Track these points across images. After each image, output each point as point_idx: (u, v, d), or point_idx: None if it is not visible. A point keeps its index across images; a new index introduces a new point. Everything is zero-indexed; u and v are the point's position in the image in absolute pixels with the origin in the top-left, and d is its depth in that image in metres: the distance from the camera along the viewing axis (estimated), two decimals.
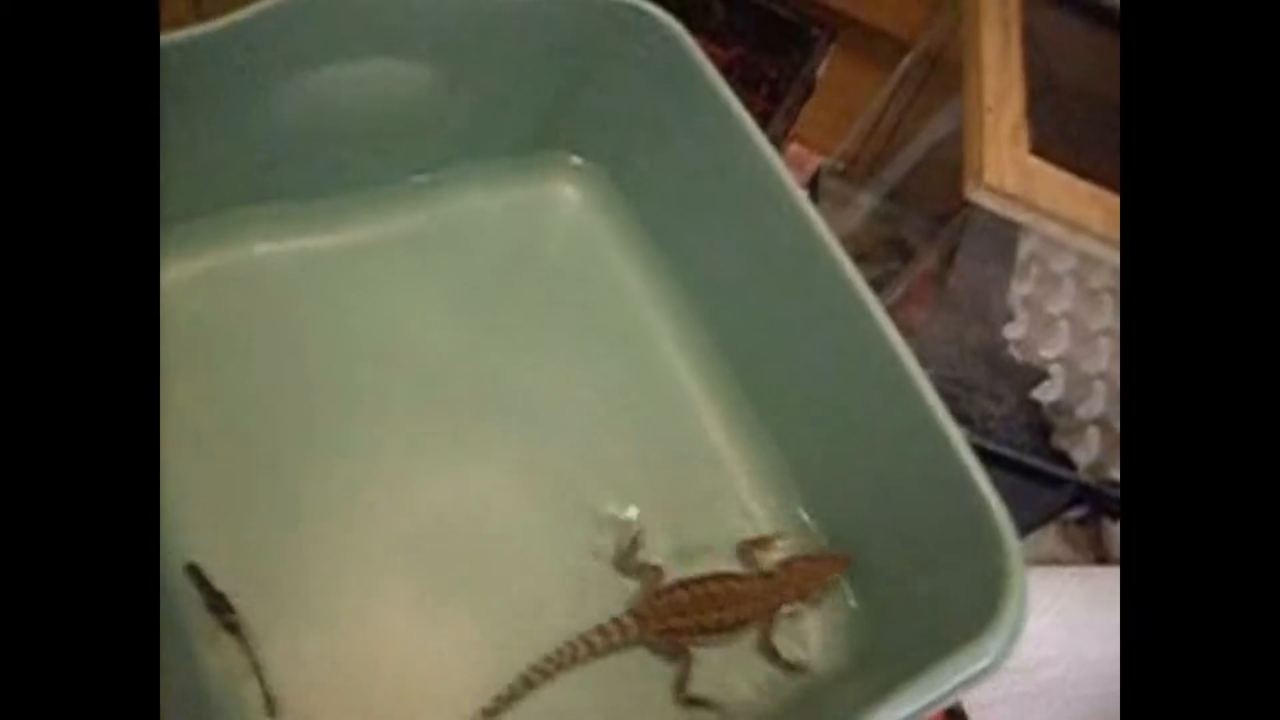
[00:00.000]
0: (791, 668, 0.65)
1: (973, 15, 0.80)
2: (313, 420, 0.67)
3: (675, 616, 0.63)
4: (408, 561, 0.64)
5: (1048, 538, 0.93)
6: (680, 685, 0.63)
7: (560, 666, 0.61)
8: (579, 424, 0.71)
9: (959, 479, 0.57)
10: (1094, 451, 0.87)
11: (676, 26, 0.68)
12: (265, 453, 0.65)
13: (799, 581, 0.66)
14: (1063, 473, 0.88)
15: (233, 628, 0.57)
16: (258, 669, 0.56)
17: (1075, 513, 0.93)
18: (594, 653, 0.62)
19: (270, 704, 0.55)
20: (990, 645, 0.52)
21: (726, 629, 0.64)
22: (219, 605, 0.57)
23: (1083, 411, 0.89)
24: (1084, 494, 0.90)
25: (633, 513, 0.68)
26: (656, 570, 0.66)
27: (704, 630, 0.64)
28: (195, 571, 0.58)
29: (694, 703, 0.63)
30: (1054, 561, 0.91)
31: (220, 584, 0.58)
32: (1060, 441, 0.89)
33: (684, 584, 0.65)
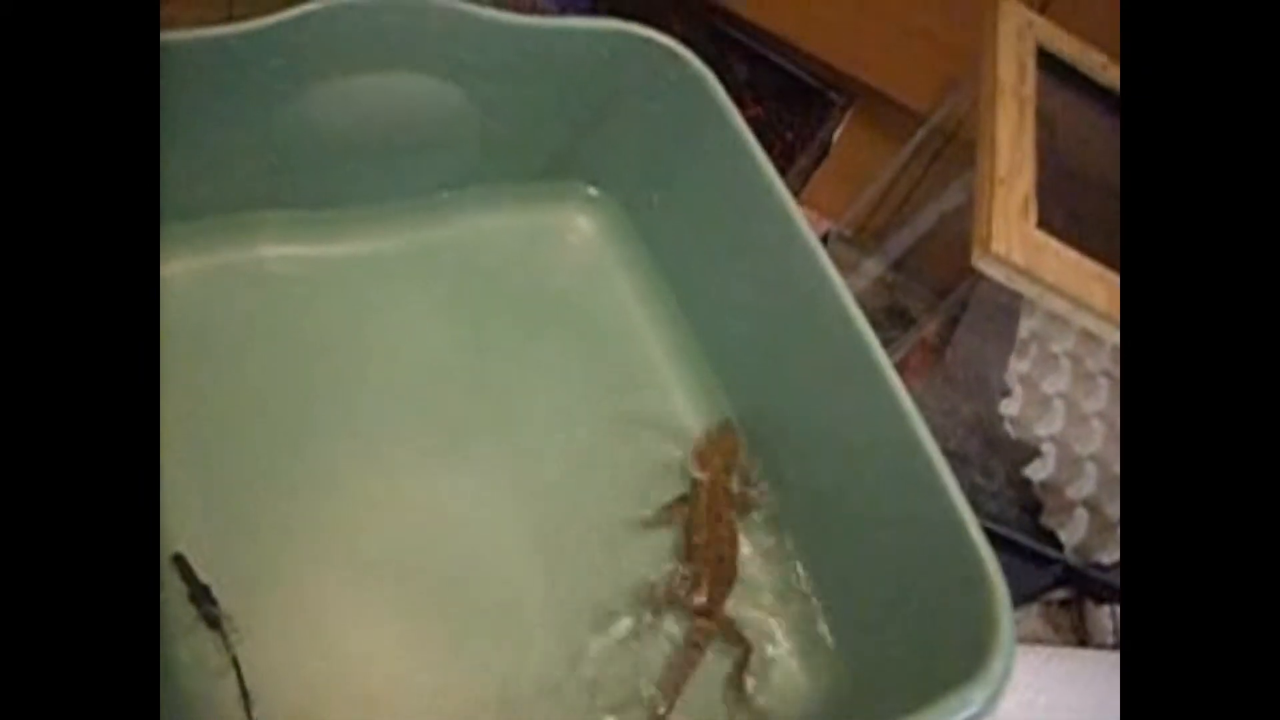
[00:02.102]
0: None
1: (991, 87, 0.82)
2: (307, 424, 0.67)
3: (724, 589, 0.66)
4: (394, 571, 0.63)
5: (1030, 617, 0.93)
6: (739, 673, 0.65)
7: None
8: (573, 448, 0.72)
9: (953, 528, 0.57)
10: (1081, 532, 0.87)
11: (704, 69, 0.70)
12: (259, 452, 0.65)
13: (721, 464, 0.70)
14: (1049, 552, 0.88)
15: (214, 621, 0.56)
16: (236, 664, 0.55)
17: (1059, 594, 0.93)
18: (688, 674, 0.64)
19: (246, 700, 0.54)
20: (976, 695, 0.52)
21: (730, 540, 0.68)
22: (202, 597, 0.56)
23: (1072, 492, 0.89)
24: (1069, 575, 0.90)
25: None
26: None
27: (732, 562, 0.67)
28: (181, 562, 0.57)
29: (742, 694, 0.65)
30: (1035, 641, 0.91)
31: (205, 578, 0.58)
32: (1048, 521, 0.89)
33: (690, 558, 0.67)
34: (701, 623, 0.65)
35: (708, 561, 0.67)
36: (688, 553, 0.68)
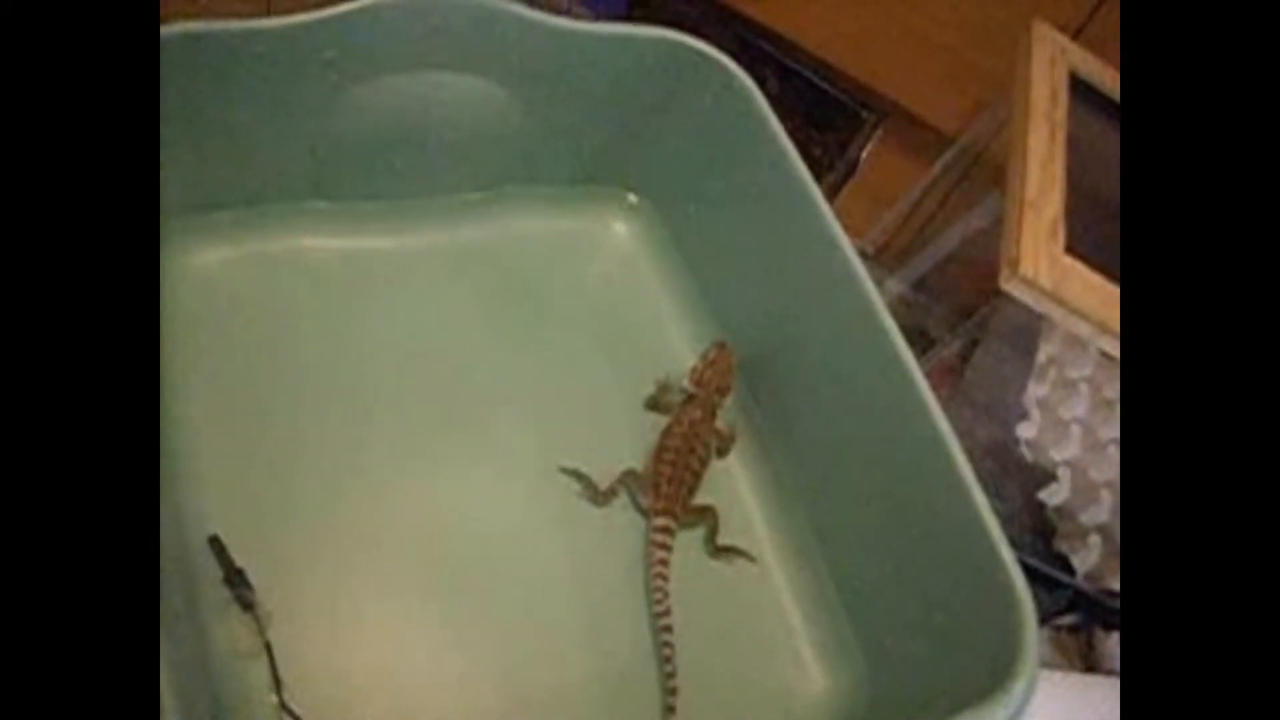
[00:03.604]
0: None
1: (1022, 111, 0.83)
2: (340, 413, 0.67)
3: (681, 490, 0.68)
4: (425, 560, 0.63)
5: (1038, 641, 0.93)
6: (712, 538, 0.69)
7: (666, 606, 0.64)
8: (600, 445, 0.71)
9: (982, 544, 0.57)
10: (1094, 558, 0.88)
11: (749, 83, 0.70)
12: (293, 437, 0.65)
13: (716, 384, 0.72)
14: (1061, 577, 0.88)
15: (247, 604, 0.56)
16: (268, 648, 0.55)
17: (1068, 619, 0.93)
18: (665, 572, 0.65)
19: (277, 684, 0.54)
20: (997, 714, 0.52)
21: (701, 456, 0.70)
22: (236, 580, 0.56)
23: (1086, 518, 0.89)
24: (1079, 600, 0.90)
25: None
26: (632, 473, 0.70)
27: (697, 474, 0.70)
28: (216, 544, 0.58)
29: (726, 550, 0.69)
30: (1043, 665, 0.91)
31: (240, 561, 0.58)
32: (1061, 545, 0.89)
33: (659, 460, 0.69)
34: (660, 521, 0.67)
35: (674, 464, 0.68)
36: (657, 453, 0.69)
